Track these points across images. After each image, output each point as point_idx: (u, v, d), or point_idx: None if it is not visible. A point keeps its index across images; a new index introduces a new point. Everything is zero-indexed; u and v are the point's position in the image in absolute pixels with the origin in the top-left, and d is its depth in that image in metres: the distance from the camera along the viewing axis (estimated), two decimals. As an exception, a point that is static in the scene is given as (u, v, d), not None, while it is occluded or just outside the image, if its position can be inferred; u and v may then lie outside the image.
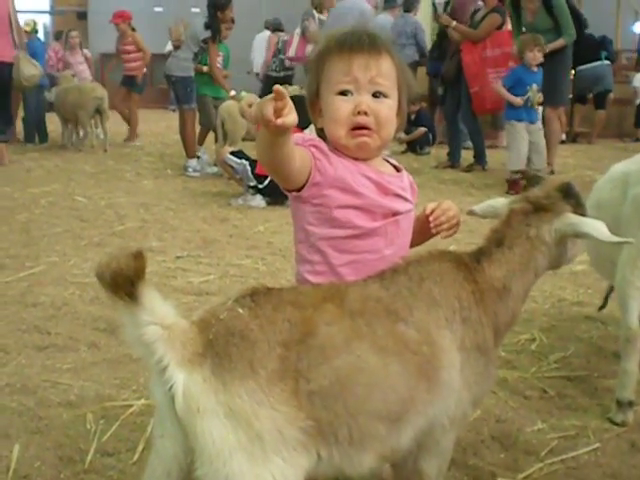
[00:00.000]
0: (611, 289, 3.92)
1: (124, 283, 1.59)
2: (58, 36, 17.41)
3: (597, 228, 2.15)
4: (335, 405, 1.72)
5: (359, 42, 2.13)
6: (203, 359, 1.65)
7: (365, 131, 2.12)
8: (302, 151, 2.04)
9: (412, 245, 2.36)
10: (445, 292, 1.99)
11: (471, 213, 2.43)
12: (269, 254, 5.72)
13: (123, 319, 1.65)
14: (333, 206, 2.08)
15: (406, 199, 2.21)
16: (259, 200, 7.68)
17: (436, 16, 10.22)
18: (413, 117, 12.13)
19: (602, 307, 4.06)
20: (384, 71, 2.14)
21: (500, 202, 2.36)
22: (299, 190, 2.08)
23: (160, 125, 16.04)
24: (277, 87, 1.77)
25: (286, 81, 11.99)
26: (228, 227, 6.79)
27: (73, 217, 7.11)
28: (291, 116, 1.77)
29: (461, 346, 1.96)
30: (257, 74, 15.37)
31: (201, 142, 10.37)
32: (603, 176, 3.56)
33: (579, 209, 2.20)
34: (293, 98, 6.14)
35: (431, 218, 2.29)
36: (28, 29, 13.40)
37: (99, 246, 5.95)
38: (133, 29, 13.62)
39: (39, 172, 10.00)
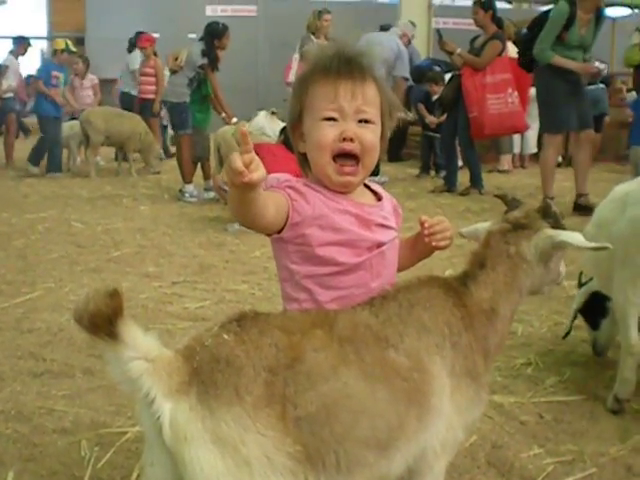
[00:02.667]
0: (576, 314, 3.98)
1: (103, 323, 1.59)
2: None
3: (573, 236, 2.17)
4: (322, 431, 1.71)
5: (345, 68, 2.12)
6: (189, 387, 1.65)
7: (351, 169, 2.12)
8: (277, 195, 2.04)
9: (405, 267, 2.36)
10: (435, 318, 1.99)
11: (460, 235, 2.44)
12: (265, 279, 5.72)
13: (107, 358, 1.65)
14: (315, 244, 2.07)
15: (389, 227, 2.21)
16: None
17: (441, 43, 10.25)
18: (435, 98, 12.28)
19: (567, 333, 4.09)
20: (369, 98, 2.14)
21: (485, 225, 2.36)
22: (279, 232, 2.08)
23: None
24: (243, 129, 1.77)
25: None
26: (224, 252, 6.79)
27: (69, 243, 7.11)
28: (259, 172, 1.76)
29: (451, 372, 1.96)
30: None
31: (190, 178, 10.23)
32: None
33: (558, 228, 2.21)
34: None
35: (426, 225, 2.29)
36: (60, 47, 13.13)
37: (95, 272, 5.95)
38: (155, 53, 13.81)
39: (36, 198, 10.04)
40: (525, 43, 8.82)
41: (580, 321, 4.08)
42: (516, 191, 10.03)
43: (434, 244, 2.30)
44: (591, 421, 3.35)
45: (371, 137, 2.13)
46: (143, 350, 1.64)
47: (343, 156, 2.12)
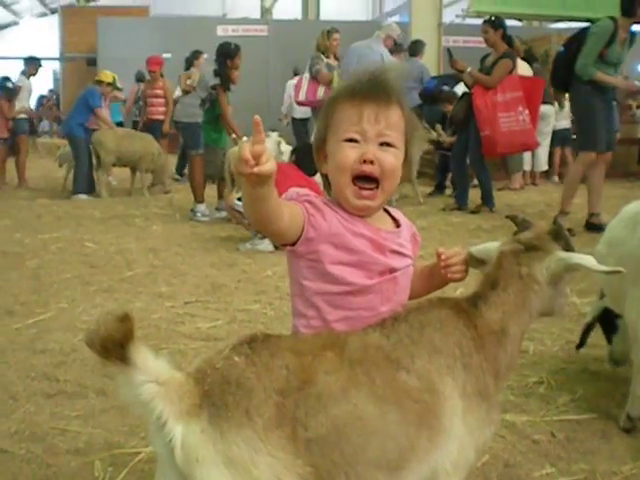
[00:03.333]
0: (589, 328, 3.97)
1: (114, 347, 1.60)
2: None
3: (587, 259, 2.16)
4: (332, 453, 1.72)
5: (371, 92, 2.14)
6: (200, 410, 1.67)
7: (369, 193, 2.13)
8: (294, 207, 2.06)
9: (419, 295, 2.36)
10: (446, 339, 2.00)
11: (469, 255, 2.44)
12: (277, 299, 5.73)
13: (118, 381, 1.67)
14: (326, 262, 2.08)
15: (404, 254, 2.21)
16: (267, 244, 7.68)
17: (452, 61, 10.30)
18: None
19: (581, 345, 4.07)
20: (393, 123, 2.15)
21: (495, 245, 2.36)
22: (293, 244, 2.10)
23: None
24: (257, 118, 1.79)
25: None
26: (236, 272, 6.80)
27: (82, 263, 7.14)
28: (269, 164, 1.77)
29: (463, 393, 1.97)
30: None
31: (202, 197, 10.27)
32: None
33: (569, 250, 2.21)
34: (304, 146, 6.26)
35: (443, 257, 2.31)
36: (107, 80, 13.15)
37: (108, 292, 5.97)
38: (162, 75, 13.95)
39: (49, 218, 10.08)
40: (560, 61, 8.68)
41: (592, 339, 4.07)
42: (527, 209, 10.05)
43: (449, 276, 2.32)
44: (603, 440, 3.34)
45: (392, 161, 2.14)
46: (154, 373, 1.65)
47: (363, 179, 2.13)
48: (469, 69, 10.10)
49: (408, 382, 1.88)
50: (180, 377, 1.71)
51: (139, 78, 16.22)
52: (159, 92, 14.16)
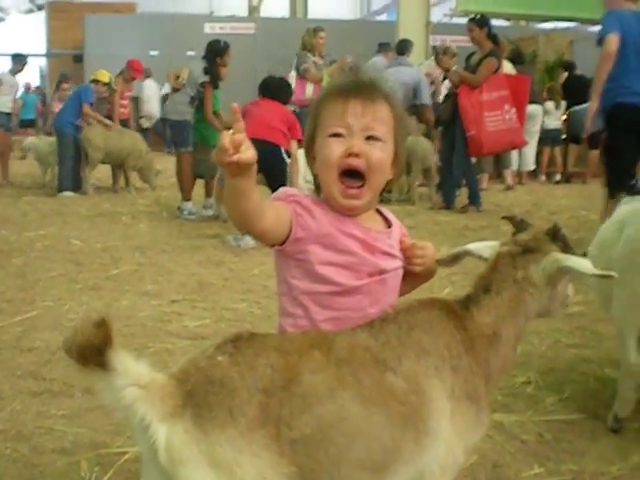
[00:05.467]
0: None
1: (92, 354, 1.59)
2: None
3: (580, 262, 2.13)
4: (317, 453, 1.72)
5: (356, 88, 2.13)
6: (183, 410, 1.66)
7: (355, 192, 2.10)
8: (281, 207, 2.04)
9: (403, 292, 2.33)
10: (435, 341, 1.99)
11: (448, 255, 2.39)
12: (264, 297, 5.71)
13: (99, 387, 1.65)
14: (315, 262, 2.06)
15: (394, 256, 2.19)
16: (247, 240, 7.63)
17: (438, 59, 10.32)
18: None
19: None
20: (379, 117, 2.12)
21: (492, 245, 2.32)
22: (281, 244, 2.08)
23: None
24: (234, 105, 1.79)
25: None
26: (223, 270, 6.79)
27: (68, 261, 7.10)
28: (249, 152, 1.77)
29: (451, 395, 1.95)
30: None
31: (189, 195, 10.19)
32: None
33: (567, 251, 2.19)
34: (268, 79, 6.60)
35: (401, 247, 2.26)
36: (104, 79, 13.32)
37: (94, 290, 5.94)
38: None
39: (35, 215, 10.02)
40: None
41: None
42: (514, 208, 10.07)
43: (407, 267, 2.26)
44: (591, 440, 3.34)
45: (378, 154, 2.11)
46: (135, 377, 1.64)
47: (349, 175, 2.10)
48: (454, 67, 10.12)
49: (395, 383, 1.87)
50: (162, 379, 1.70)
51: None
52: (129, 94, 14.33)
